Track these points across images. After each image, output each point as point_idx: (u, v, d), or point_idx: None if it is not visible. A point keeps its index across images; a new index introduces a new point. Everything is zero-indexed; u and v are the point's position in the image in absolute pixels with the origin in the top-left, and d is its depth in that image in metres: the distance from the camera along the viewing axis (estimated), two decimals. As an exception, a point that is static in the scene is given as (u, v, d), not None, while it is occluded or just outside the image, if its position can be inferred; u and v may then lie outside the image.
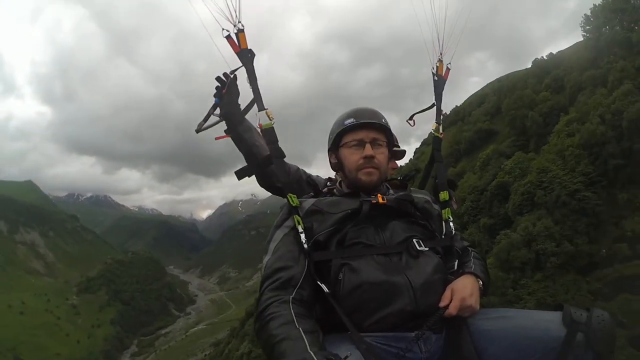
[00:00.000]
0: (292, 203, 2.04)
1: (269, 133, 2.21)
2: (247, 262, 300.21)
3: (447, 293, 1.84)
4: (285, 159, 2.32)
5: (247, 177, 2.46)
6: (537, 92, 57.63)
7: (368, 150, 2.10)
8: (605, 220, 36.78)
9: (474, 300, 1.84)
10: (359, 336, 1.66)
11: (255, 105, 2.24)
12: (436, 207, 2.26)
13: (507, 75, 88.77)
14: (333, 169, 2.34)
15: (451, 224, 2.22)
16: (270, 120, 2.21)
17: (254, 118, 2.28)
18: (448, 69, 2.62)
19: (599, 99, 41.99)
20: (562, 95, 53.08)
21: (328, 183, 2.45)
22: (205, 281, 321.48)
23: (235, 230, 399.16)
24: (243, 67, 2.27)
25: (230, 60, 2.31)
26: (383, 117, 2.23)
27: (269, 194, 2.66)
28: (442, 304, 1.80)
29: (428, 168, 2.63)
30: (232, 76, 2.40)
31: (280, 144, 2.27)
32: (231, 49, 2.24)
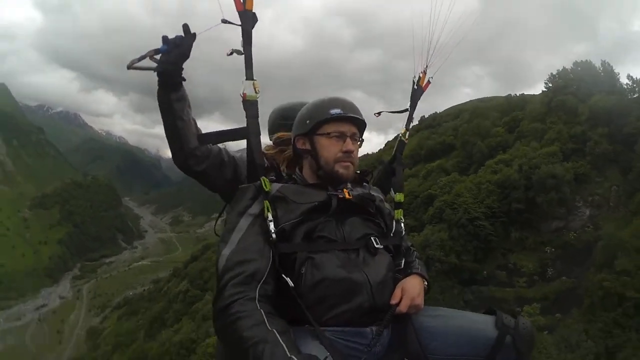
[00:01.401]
0: (265, 188, 1.97)
1: (252, 106, 2.14)
2: (202, 209, 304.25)
3: (398, 292, 2.01)
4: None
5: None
6: (496, 125, 65.10)
7: (349, 144, 2.15)
8: (495, 248, 46.14)
9: (420, 300, 2.03)
10: (321, 332, 1.75)
11: (245, 72, 2.13)
12: (387, 206, 2.38)
13: (491, 98, 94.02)
14: (297, 154, 2.30)
15: (402, 224, 2.37)
16: (256, 93, 2.14)
17: (236, 89, 2.15)
18: (429, 82, 2.78)
19: (526, 150, 50.96)
20: (511, 136, 60.81)
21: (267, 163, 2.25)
22: (157, 219, 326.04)
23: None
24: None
25: (228, 16, 2.13)
26: (362, 114, 2.26)
27: (240, 145, 2.37)
28: (393, 301, 1.97)
29: (386, 168, 2.78)
30: (192, 34, 2.15)
31: (260, 100, 2.19)
32: (233, 4, 2.14)
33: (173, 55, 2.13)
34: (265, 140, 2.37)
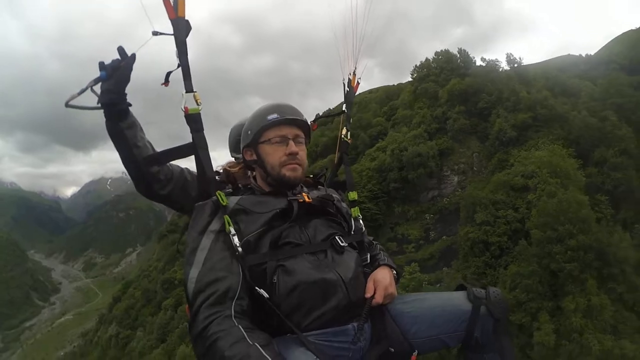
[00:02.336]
0: (222, 202, 1.95)
1: (195, 120, 2.08)
2: (114, 247, 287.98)
3: (370, 284, 2.08)
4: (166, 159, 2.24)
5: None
6: (377, 115, 72.69)
7: (292, 146, 2.14)
8: (383, 224, 53.10)
9: (393, 288, 2.12)
10: (305, 338, 1.77)
11: (184, 84, 2.06)
12: (345, 205, 2.40)
13: (378, 88, 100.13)
14: (248, 166, 2.31)
15: (360, 221, 2.38)
16: (198, 105, 2.07)
17: (177, 99, 2.08)
18: (358, 83, 2.87)
19: (397, 136, 58.59)
20: (389, 123, 68.32)
21: (217, 177, 2.24)
22: (69, 267, 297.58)
23: (102, 212, 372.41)
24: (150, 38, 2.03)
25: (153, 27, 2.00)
26: (303, 115, 2.26)
27: None
28: (367, 294, 2.03)
29: (336, 169, 2.80)
30: (130, 55, 2.06)
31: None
32: (165, 11, 2.04)
33: (114, 81, 2.04)
34: (216, 155, 2.28)
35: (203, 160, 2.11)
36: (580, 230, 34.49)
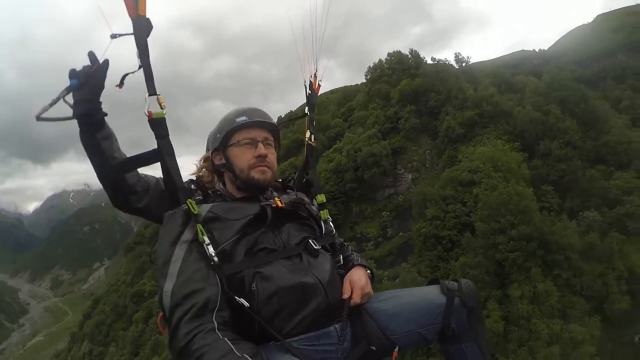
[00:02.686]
0: (193, 211, 1.91)
1: (160, 124, 2.03)
2: (81, 263, 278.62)
3: (347, 286, 2.11)
4: (139, 169, 2.21)
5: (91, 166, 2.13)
6: (335, 117, 73.88)
7: (261, 149, 2.15)
8: (342, 224, 53.99)
9: (369, 288, 2.15)
10: (290, 344, 1.78)
11: (146, 87, 2.01)
12: (314, 208, 2.41)
13: (338, 89, 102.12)
14: (216, 170, 2.28)
15: (330, 223, 2.40)
16: (162, 109, 2.02)
17: (140, 103, 2.01)
18: (319, 85, 2.87)
19: (351, 137, 59.89)
20: (346, 124, 69.73)
21: (192, 186, 2.27)
22: (36, 287, 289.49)
23: (66, 226, 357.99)
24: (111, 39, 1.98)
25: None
26: (272, 118, 2.28)
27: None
28: (345, 295, 2.06)
29: (302, 172, 2.75)
30: (103, 61, 1.99)
31: (117, 130, 2.10)
32: (126, 10, 1.98)
33: (88, 89, 1.97)
34: (180, 162, 2.20)
35: (170, 168, 2.06)
36: (521, 221, 36.19)
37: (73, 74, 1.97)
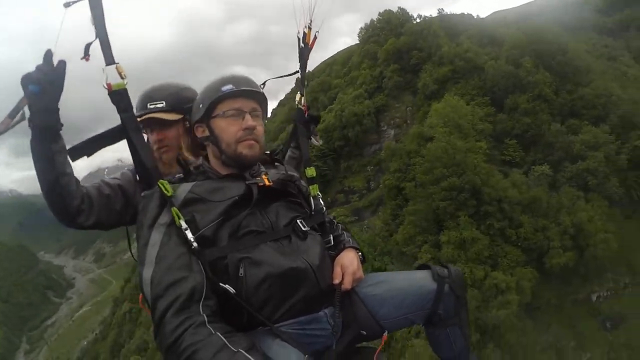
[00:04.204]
0: (166, 192, 1.79)
1: (121, 97, 1.90)
2: (121, 234, 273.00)
3: (338, 270, 2.02)
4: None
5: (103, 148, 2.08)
6: (338, 77, 75.05)
7: (249, 120, 1.99)
8: (332, 179, 57.10)
9: (360, 272, 2.08)
10: (279, 330, 1.74)
11: (103, 56, 1.86)
12: (304, 183, 2.26)
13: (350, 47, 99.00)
14: (200, 143, 2.13)
15: (320, 200, 2.29)
16: (123, 78, 1.88)
17: (97, 75, 1.84)
18: (315, 37, 2.58)
19: (342, 97, 62.21)
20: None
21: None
22: (80, 261, 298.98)
23: None
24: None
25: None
26: (260, 87, 2.13)
27: None
28: (335, 280, 1.98)
29: (289, 142, 2.66)
30: (59, 62, 1.80)
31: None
32: None
33: (48, 98, 1.81)
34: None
35: (137, 145, 1.92)
36: (453, 172, 38.47)
37: (29, 79, 1.76)
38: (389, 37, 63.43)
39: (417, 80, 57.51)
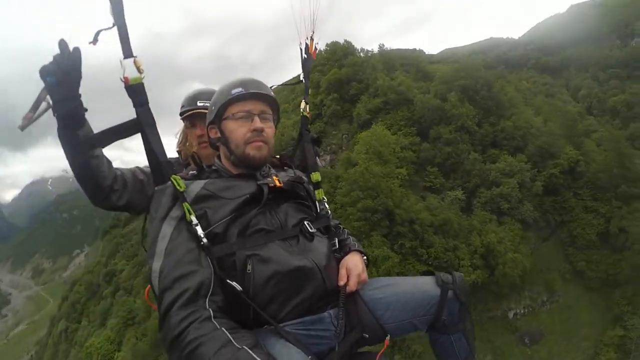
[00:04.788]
0: (178, 187, 1.83)
1: (138, 91, 1.90)
2: (61, 250, 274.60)
3: (343, 272, 2.05)
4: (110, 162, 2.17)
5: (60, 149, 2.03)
6: (286, 102, 78.54)
7: (257, 122, 2.05)
8: None
9: (365, 275, 2.12)
10: (283, 329, 1.75)
11: (122, 49, 1.86)
12: (311, 187, 2.34)
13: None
14: (212, 145, 2.19)
15: (325, 204, 2.33)
16: (140, 73, 1.89)
17: (114, 71, 1.84)
18: (316, 49, 2.71)
19: (283, 122, 64.73)
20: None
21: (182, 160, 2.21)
22: (17, 276, 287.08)
23: (46, 214, 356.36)
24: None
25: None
26: (271, 90, 2.18)
27: None
28: (341, 282, 2.01)
29: (295, 148, 2.70)
30: (74, 50, 1.83)
31: (98, 120, 1.92)
32: None
33: (67, 87, 1.87)
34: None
35: (151, 139, 1.92)
36: (368, 195, 41.26)
37: (46, 71, 1.81)
38: (332, 68, 66.71)
39: (354, 110, 60.52)
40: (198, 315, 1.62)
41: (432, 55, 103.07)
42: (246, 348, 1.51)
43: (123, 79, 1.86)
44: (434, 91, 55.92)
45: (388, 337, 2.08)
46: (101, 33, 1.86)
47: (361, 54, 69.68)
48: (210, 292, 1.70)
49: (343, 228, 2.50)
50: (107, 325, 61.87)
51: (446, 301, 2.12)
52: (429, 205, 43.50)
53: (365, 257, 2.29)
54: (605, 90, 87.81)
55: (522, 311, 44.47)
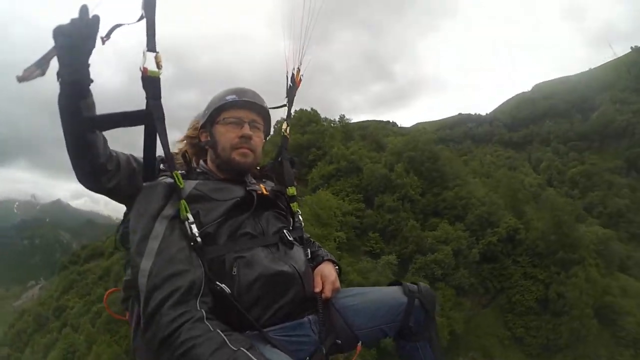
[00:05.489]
0: (179, 184, 1.85)
1: (153, 84, 1.89)
2: (15, 278, 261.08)
3: (318, 280, 2.16)
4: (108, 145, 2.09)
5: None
6: None
7: (246, 129, 2.11)
8: None
9: (338, 283, 2.24)
10: (267, 334, 1.79)
11: (146, 42, 1.85)
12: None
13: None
14: (201, 147, 2.27)
15: (300, 216, 2.42)
16: (159, 68, 1.89)
17: (131, 62, 1.83)
18: (301, 79, 2.87)
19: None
20: None
21: (162, 166, 2.11)
22: None
23: (6, 237, 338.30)
24: None
25: None
26: (264, 102, 2.24)
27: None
28: (317, 289, 2.11)
29: (273, 162, 2.75)
30: (93, 17, 1.75)
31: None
32: None
33: (79, 53, 1.78)
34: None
35: (159, 132, 1.88)
36: None
37: (62, 31, 1.72)
38: (297, 134, 69.63)
39: (309, 174, 63.85)
40: (190, 315, 1.59)
41: (403, 128, 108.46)
42: (243, 349, 1.52)
43: (142, 69, 1.85)
44: (384, 161, 60.13)
45: (360, 344, 2.18)
46: (121, 28, 1.86)
47: (324, 123, 74.06)
48: (201, 293, 1.69)
49: (314, 241, 2.60)
50: (47, 358, 61.78)
51: (412, 309, 2.22)
52: (362, 268, 46.03)
53: (337, 267, 2.38)
54: (565, 163, 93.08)
55: (458, 376, 44.60)
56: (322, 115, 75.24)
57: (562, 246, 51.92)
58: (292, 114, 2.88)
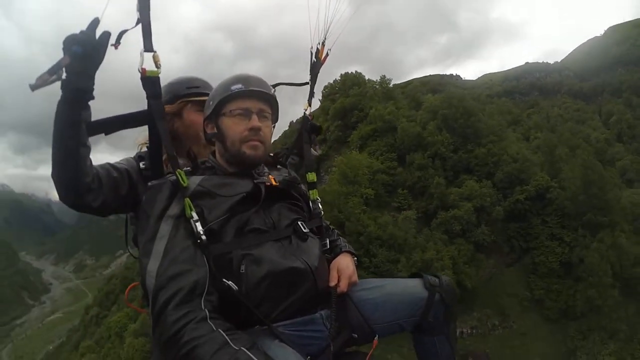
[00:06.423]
0: (182, 183, 1.85)
1: (153, 84, 1.95)
2: (104, 249, 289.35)
3: (334, 273, 2.10)
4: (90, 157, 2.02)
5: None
6: None
7: (255, 121, 2.04)
8: None
9: (356, 276, 2.17)
10: (277, 330, 1.78)
11: (143, 43, 1.91)
12: (303, 187, 2.35)
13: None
14: (208, 140, 2.20)
15: (319, 204, 2.34)
16: (157, 68, 1.94)
17: (131, 63, 1.90)
18: (327, 54, 2.70)
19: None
20: None
21: (141, 164, 2.15)
22: (60, 269, 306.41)
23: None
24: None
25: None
26: (271, 89, 2.19)
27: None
28: (332, 283, 2.06)
29: (293, 147, 2.77)
30: (103, 33, 1.82)
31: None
32: None
33: (89, 62, 1.83)
34: None
35: (161, 132, 1.95)
36: (345, 217, 48.13)
37: (74, 39, 1.77)
38: (340, 97, 74.24)
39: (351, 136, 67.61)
40: (194, 315, 1.61)
41: (467, 81, 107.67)
42: (244, 349, 1.52)
43: (140, 70, 1.91)
44: (419, 119, 62.74)
45: (376, 338, 2.14)
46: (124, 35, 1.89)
47: (368, 85, 76.93)
48: (205, 292, 1.69)
49: (334, 229, 2.55)
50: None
51: (433, 304, 2.17)
52: (382, 222, 49.61)
53: (355, 258, 2.33)
54: (638, 116, 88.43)
55: (468, 331, 46.11)
56: (387, 76, 78.38)
57: (591, 208, 50.98)
58: (314, 93, 2.73)
